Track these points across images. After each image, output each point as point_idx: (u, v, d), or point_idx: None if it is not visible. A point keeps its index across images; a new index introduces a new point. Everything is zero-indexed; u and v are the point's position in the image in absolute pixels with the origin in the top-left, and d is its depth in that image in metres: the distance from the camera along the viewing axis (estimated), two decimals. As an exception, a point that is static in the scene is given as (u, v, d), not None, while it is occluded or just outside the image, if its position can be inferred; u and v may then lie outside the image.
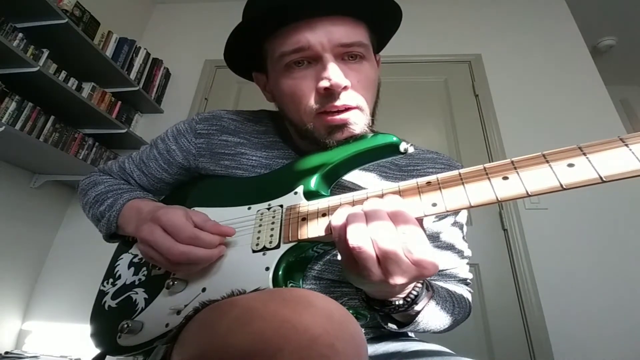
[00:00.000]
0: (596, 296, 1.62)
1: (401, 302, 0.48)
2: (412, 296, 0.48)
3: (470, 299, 0.67)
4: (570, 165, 0.35)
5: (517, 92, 2.18)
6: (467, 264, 0.70)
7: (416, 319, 0.51)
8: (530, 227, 1.79)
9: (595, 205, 1.78)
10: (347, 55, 0.55)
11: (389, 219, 0.39)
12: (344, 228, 0.40)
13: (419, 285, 0.48)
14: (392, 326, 0.52)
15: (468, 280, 0.70)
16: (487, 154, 2.03)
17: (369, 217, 0.39)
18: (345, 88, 0.53)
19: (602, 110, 2.08)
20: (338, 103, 0.53)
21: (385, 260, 0.37)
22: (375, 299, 0.48)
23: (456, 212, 0.68)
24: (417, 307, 0.49)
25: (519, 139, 2.02)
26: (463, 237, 0.70)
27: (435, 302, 0.54)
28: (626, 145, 0.33)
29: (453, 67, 2.33)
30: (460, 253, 0.68)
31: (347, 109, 0.54)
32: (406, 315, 0.52)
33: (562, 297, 1.64)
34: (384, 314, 0.50)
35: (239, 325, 0.28)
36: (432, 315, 0.54)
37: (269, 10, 0.53)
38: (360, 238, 0.38)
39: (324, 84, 0.52)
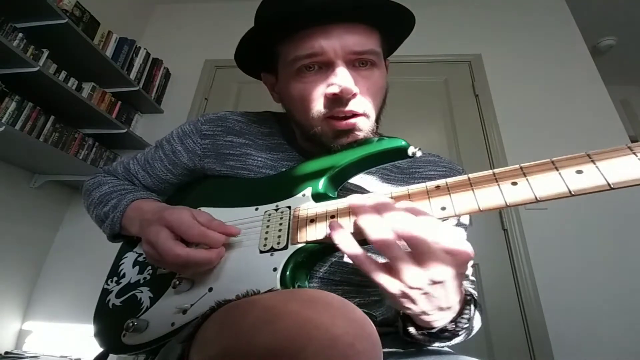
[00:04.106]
0: (596, 296, 1.63)
1: (462, 321, 0.45)
2: (466, 315, 0.46)
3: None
4: (579, 172, 0.35)
5: (517, 92, 2.18)
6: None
7: (470, 330, 0.50)
8: (530, 227, 1.80)
9: (595, 205, 1.79)
10: (358, 62, 0.56)
11: (403, 210, 0.38)
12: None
13: (468, 296, 0.46)
14: (438, 343, 0.50)
15: (473, 281, 0.70)
16: (487, 154, 2.03)
17: (379, 208, 0.39)
18: (354, 95, 0.54)
19: (602, 110, 2.09)
20: (345, 109, 0.54)
21: (412, 244, 0.36)
22: (425, 328, 0.45)
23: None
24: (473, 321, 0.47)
25: (519, 139, 2.02)
26: (466, 239, 0.70)
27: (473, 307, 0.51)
28: (634, 153, 0.34)
29: (453, 67, 2.33)
30: None
31: (354, 115, 0.55)
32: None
33: (562, 297, 1.64)
34: (442, 338, 0.47)
35: (263, 324, 0.28)
36: (475, 323, 0.53)
37: (286, 15, 0.54)
38: (375, 224, 0.37)
39: (333, 89, 0.53)
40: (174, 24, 2.74)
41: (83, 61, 1.90)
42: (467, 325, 0.46)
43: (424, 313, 0.40)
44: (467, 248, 0.37)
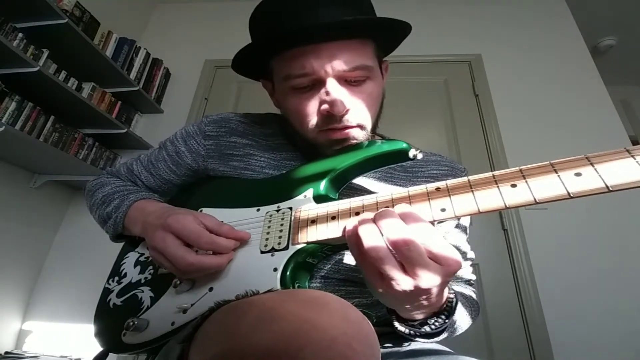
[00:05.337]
0: (596, 296, 1.63)
1: (440, 318, 0.46)
2: (448, 305, 0.47)
3: (476, 298, 0.68)
4: (578, 174, 0.35)
5: (517, 92, 2.19)
6: (470, 265, 0.71)
7: (453, 327, 0.52)
8: (530, 227, 1.80)
9: (595, 205, 1.79)
10: (350, 76, 0.57)
11: (398, 217, 0.38)
12: (356, 234, 0.39)
13: (451, 295, 0.47)
14: (420, 339, 0.51)
15: (472, 282, 0.71)
16: (487, 154, 2.03)
17: (377, 217, 0.39)
18: (347, 111, 0.56)
19: (602, 110, 2.09)
20: (339, 125, 0.57)
21: (404, 255, 0.36)
22: (408, 320, 0.47)
23: None
24: (453, 317, 0.48)
25: (519, 139, 2.03)
26: (467, 239, 0.71)
27: (460, 306, 0.54)
28: (632, 156, 0.34)
29: (453, 67, 2.33)
30: (464, 255, 0.69)
31: (348, 127, 0.57)
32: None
33: (562, 296, 1.65)
34: (421, 334, 0.48)
35: (261, 325, 0.28)
36: (459, 322, 0.54)
37: (276, 37, 0.55)
38: (371, 236, 0.38)
39: (325, 107, 0.55)
40: (174, 24, 2.74)
41: (83, 61, 1.90)
42: (447, 321, 0.47)
43: (405, 310, 0.43)
44: (458, 257, 0.38)
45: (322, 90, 0.56)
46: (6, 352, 1.71)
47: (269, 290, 0.44)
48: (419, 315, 0.45)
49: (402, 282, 0.37)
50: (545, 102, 2.13)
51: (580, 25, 2.37)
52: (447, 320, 0.47)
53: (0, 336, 1.76)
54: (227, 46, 1.84)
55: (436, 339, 0.51)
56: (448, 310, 0.46)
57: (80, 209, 2.11)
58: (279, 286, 0.45)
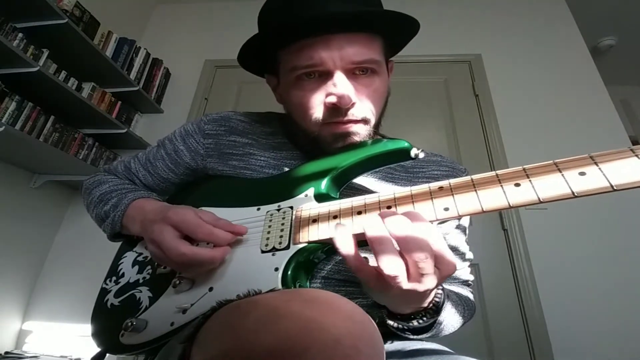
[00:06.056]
0: (596, 296, 1.63)
1: (426, 315, 0.47)
2: (436, 303, 0.47)
3: (473, 299, 0.68)
4: (582, 173, 0.35)
5: (517, 92, 2.18)
6: (468, 266, 0.71)
7: (441, 326, 0.52)
8: (530, 227, 1.80)
9: (595, 204, 1.79)
10: (357, 70, 0.57)
11: (405, 217, 0.38)
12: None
13: (440, 291, 0.48)
14: (409, 334, 0.52)
15: (469, 282, 0.71)
16: (487, 154, 2.03)
17: (384, 215, 0.39)
18: (352, 104, 0.55)
19: (602, 110, 2.09)
20: (344, 118, 0.56)
21: (413, 256, 0.36)
22: (396, 314, 0.48)
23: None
24: (440, 316, 0.49)
25: (519, 139, 2.03)
26: (465, 240, 0.71)
27: (450, 306, 0.54)
28: (636, 155, 0.34)
29: (453, 67, 2.33)
30: (462, 255, 0.69)
31: (352, 121, 0.57)
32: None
33: (562, 297, 1.64)
34: (408, 328, 0.49)
35: (265, 325, 0.28)
36: (448, 320, 0.54)
37: (287, 26, 0.55)
38: (378, 230, 0.37)
39: (331, 99, 0.54)
40: (174, 24, 2.74)
41: (83, 61, 1.90)
42: (434, 317, 0.48)
43: (394, 304, 0.45)
44: (455, 260, 0.38)
45: (329, 82, 0.55)
46: (6, 352, 1.71)
47: (271, 290, 0.44)
48: (407, 310, 0.46)
49: (403, 283, 0.37)
50: (545, 102, 2.13)
51: (580, 25, 2.37)
52: (434, 316, 0.47)
53: (0, 336, 1.76)
54: (227, 46, 1.84)
55: (425, 335, 0.52)
56: (436, 306, 0.47)
57: (80, 209, 2.10)
58: (280, 286, 0.45)
